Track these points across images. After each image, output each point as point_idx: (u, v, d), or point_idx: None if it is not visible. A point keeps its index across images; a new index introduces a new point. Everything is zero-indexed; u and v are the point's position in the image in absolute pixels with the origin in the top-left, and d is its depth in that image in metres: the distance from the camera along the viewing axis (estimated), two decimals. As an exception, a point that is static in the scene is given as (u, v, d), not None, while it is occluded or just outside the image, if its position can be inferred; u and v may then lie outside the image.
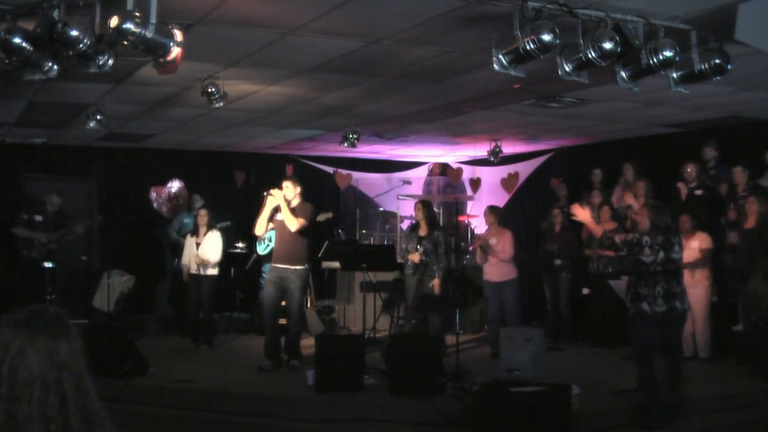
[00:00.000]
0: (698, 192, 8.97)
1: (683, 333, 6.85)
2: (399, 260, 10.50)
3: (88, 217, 10.97)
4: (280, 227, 8.07)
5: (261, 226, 8.21)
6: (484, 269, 9.32)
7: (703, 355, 8.39)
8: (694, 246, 8.32)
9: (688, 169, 9.15)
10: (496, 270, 9.14)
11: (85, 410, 1.82)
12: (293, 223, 7.85)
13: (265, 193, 8.09)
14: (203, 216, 9.69)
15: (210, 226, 9.63)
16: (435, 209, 10.01)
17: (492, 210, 9.47)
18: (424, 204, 9.23)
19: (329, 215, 10.82)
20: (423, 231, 9.00)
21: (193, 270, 9.53)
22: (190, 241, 9.70)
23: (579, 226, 10.20)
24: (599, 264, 9.44)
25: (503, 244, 9.11)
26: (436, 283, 8.76)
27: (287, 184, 8.06)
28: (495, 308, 9.23)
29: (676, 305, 6.12)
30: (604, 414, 6.45)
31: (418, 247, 8.86)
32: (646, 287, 6.08)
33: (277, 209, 8.02)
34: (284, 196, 7.93)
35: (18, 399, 1.76)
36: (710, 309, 8.47)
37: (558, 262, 9.86)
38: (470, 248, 11.90)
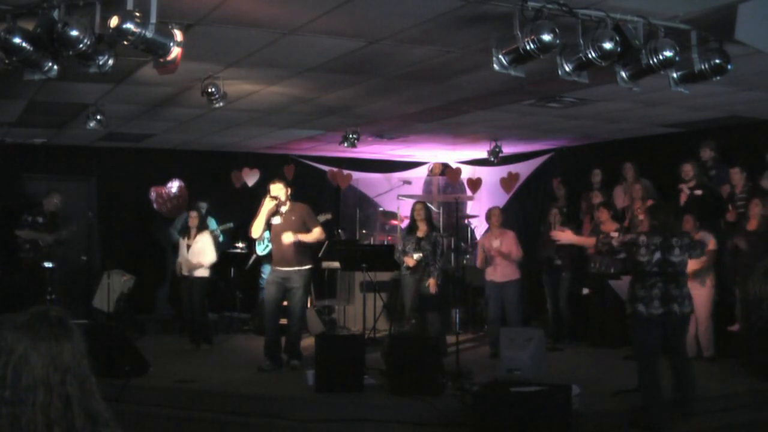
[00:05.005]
0: (697, 192, 8.95)
1: (687, 334, 6.82)
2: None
3: (83, 215, 10.93)
4: (277, 232, 8.07)
5: (257, 229, 8.22)
6: (486, 270, 9.32)
7: (707, 354, 8.35)
8: None
9: (685, 169, 9.11)
10: (499, 270, 9.14)
11: (89, 411, 1.81)
12: (316, 237, 8.13)
13: (266, 199, 8.11)
14: (194, 218, 9.59)
15: (201, 228, 9.55)
16: (435, 209, 9.95)
17: (495, 211, 9.49)
18: (425, 205, 9.22)
19: (328, 216, 10.78)
20: (421, 232, 8.97)
21: (184, 272, 9.48)
22: (182, 243, 9.67)
23: (578, 225, 10.22)
24: (600, 264, 9.43)
25: (508, 245, 9.11)
26: (431, 282, 8.69)
27: (279, 186, 8.05)
28: (496, 308, 9.22)
29: (674, 308, 6.03)
30: (604, 414, 6.44)
31: (417, 248, 8.84)
32: (643, 289, 6.03)
33: (274, 213, 8.04)
34: (282, 200, 8.02)
35: (22, 402, 1.75)
36: (713, 309, 8.44)
37: (558, 262, 9.86)
38: (469, 248, 11.90)
